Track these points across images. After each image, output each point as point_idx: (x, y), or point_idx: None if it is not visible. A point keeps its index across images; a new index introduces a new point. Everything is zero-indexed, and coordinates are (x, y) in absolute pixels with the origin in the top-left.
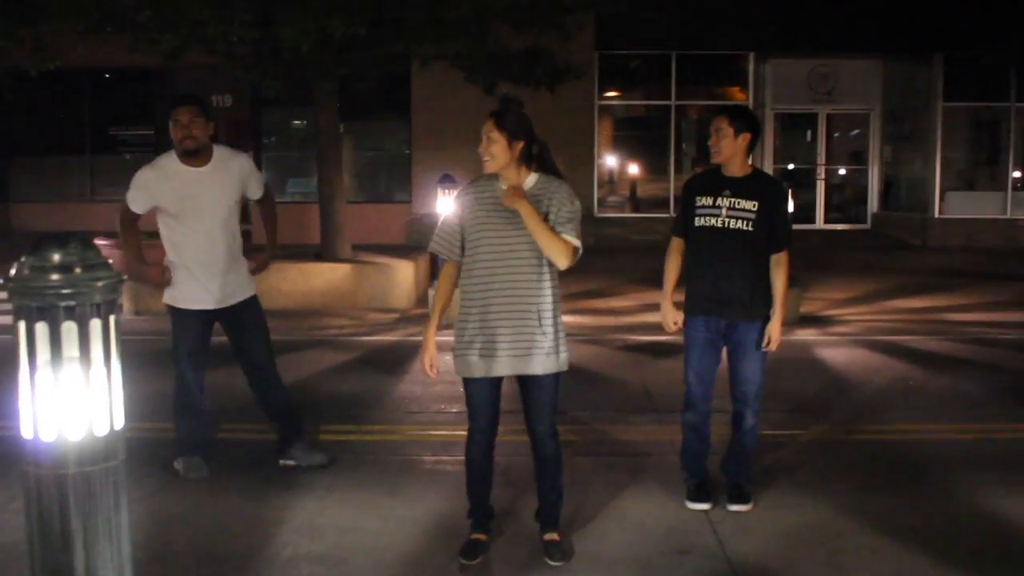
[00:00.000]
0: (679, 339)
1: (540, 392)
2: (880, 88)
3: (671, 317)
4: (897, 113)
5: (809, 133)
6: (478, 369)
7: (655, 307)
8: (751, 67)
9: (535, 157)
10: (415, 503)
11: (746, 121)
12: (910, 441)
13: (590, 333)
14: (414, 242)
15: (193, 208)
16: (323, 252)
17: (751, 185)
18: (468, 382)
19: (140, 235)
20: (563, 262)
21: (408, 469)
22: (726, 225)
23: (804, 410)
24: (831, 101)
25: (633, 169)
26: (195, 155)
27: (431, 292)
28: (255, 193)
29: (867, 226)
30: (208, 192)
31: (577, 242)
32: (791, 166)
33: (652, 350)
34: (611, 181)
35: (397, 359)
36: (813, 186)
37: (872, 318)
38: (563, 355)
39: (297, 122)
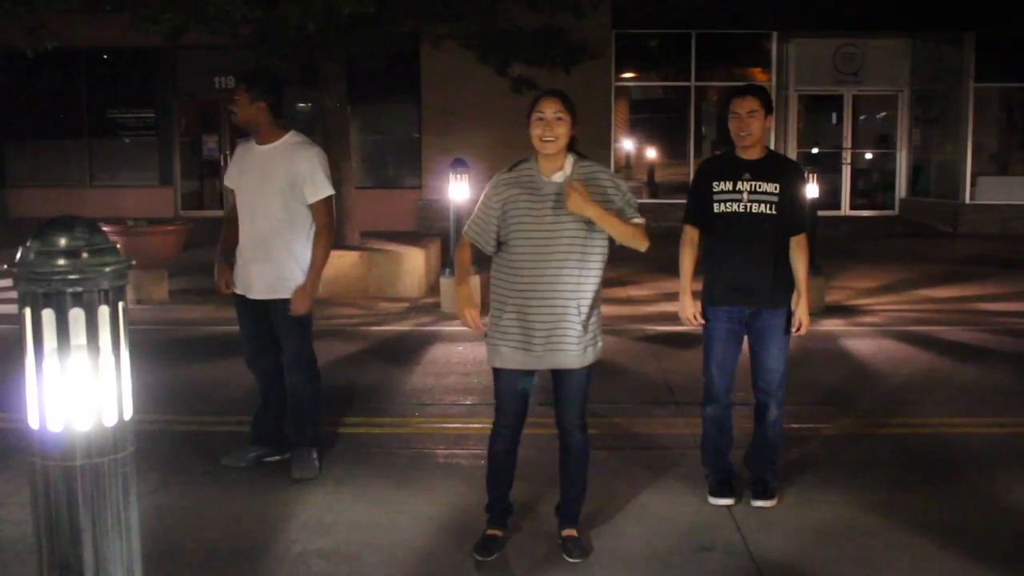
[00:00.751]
0: (699, 330)
1: (573, 384)
2: (908, 68)
3: (691, 310)
4: (926, 94)
5: (834, 116)
6: (511, 361)
7: (674, 296)
8: (774, 47)
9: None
10: (427, 498)
11: (771, 102)
12: (940, 435)
13: (607, 323)
14: (425, 228)
15: (241, 185)
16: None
17: (770, 167)
18: (499, 373)
19: (232, 224)
20: (644, 246)
21: (420, 463)
22: (748, 210)
23: (830, 403)
24: (857, 82)
25: (651, 153)
26: (257, 133)
27: (444, 280)
28: (308, 195)
29: (895, 213)
30: (258, 172)
31: (642, 219)
32: (815, 150)
33: (672, 340)
34: (628, 165)
35: (408, 349)
36: (839, 171)
37: (900, 308)
38: (599, 346)
39: (303, 104)
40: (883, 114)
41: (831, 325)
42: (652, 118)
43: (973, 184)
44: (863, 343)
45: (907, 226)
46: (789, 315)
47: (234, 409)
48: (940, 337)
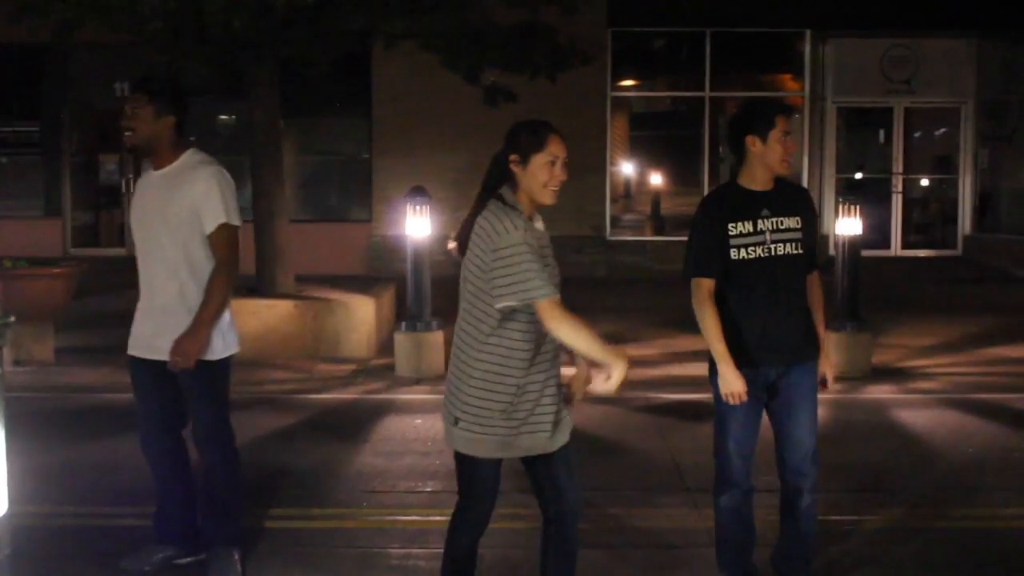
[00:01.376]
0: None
1: (567, 460)
2: (973, 75)
3: (740, 384)
4: (996, 107)
5: (882, 133)
6: (534, 447)
7: (683, 356)
8: (807, 48)
9: None
10: None
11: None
12: (1014, 530)
13: None
14: (376, 271)
15: (136, 221)
16: (258, 285)
17: (786, 197)
18: (484, 462)
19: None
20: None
21: (370, 564)
22: (772, 252)
23: (877, 488)
24: (910, 92)
25: (656, 179)
26: (148, 154)
27: (399, 336)
28: (206, 226)
29: (957, 252)
30: (151, 203)
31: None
32: (859, 175)
33: (682, 411)
34: (627, 195)
35: (354, 423)
36: (888, 201)
37: (963, 371)
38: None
39: (225, 117)
40: (942, 131)
41: (879, 392)
42: (657, 136)
43: None
44: (918, 414)
45: (972, 269)
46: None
47: (136, 498)
48: (1013, 407)
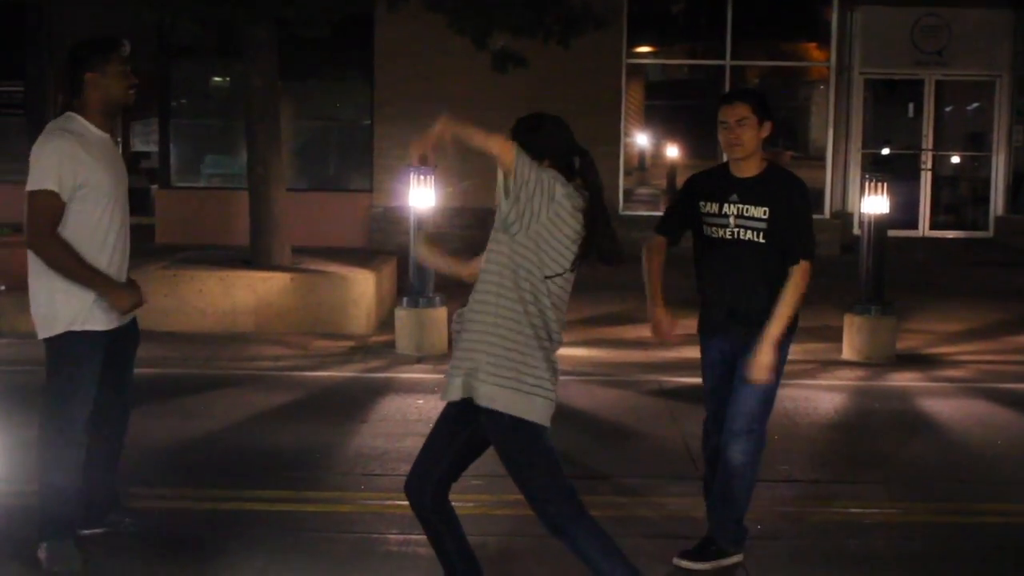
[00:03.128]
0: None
1: None
2: (1009, 47)
3: (666, 324)
4: None
5: (912, 107)
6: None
7: (698, 338)
8: (834, 16)
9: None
10: None
11: (767, 108)
12: None
13: (611, 372)
14: (377, 244)
15: (111, 184)
16: (253, 256)
17: (762, 187)
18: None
19: None
20: None
21: (367, 550)
22: (736, 236)
23: (901, 481)
24: (942, 64)
25: (672, 151)
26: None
27: (401, 311)
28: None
29: (989, 234)
30: (119, 164)
31: None
32: (886, 151)
33: (695, 395)
34: (642, 167)
35: (352, 402)
36: (916, 179)
37: (994, 359)
38: None
39: (219, 79)
40: (975, 106)
41: (903, 380)
42: (674, 105)
43: None
44: (944, 404)
45: (1004, 252)
46: (787, 348)
47: (125, 477)
48: None
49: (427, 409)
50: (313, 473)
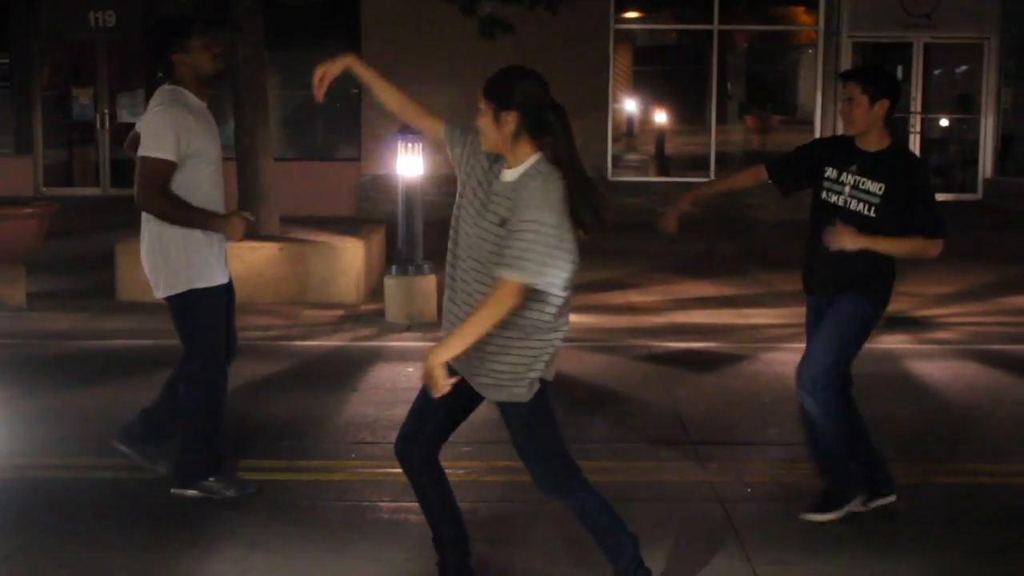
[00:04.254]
0: (721, 348)
1: None
2: (998, 10)
3: (672, 214)
4: (1021, 45)
5: (900, 69)
6: None
7: (687, 303)
8: None
9: (542, 129)
10: (368, 564)
11: (883, 86)
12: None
13: (602, 337)
14: (365, 213)
15: (214, 150)
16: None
17: (882, 163)
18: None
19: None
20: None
21: (357, 519)
22: (847, 205)
23: (892, 444)
24: (930, 26)
25: (660, 117)
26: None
27: (389, 280)
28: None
29: (978, 196)
30: (215, 130)
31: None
32: None
33: (686, 361)
34: (630, 133)
35: (342, 371)
36: (905, 141)
37: (983, 320)
38: None
39: None
40: (963, 68)
41: (893, 342)
42: (662, 71)
43: None
44: (934, 366)
45: (993, 214)
46: (867, 310)
47: (114, 449)
48: None
49: (417, 377)
50: (304, 442)
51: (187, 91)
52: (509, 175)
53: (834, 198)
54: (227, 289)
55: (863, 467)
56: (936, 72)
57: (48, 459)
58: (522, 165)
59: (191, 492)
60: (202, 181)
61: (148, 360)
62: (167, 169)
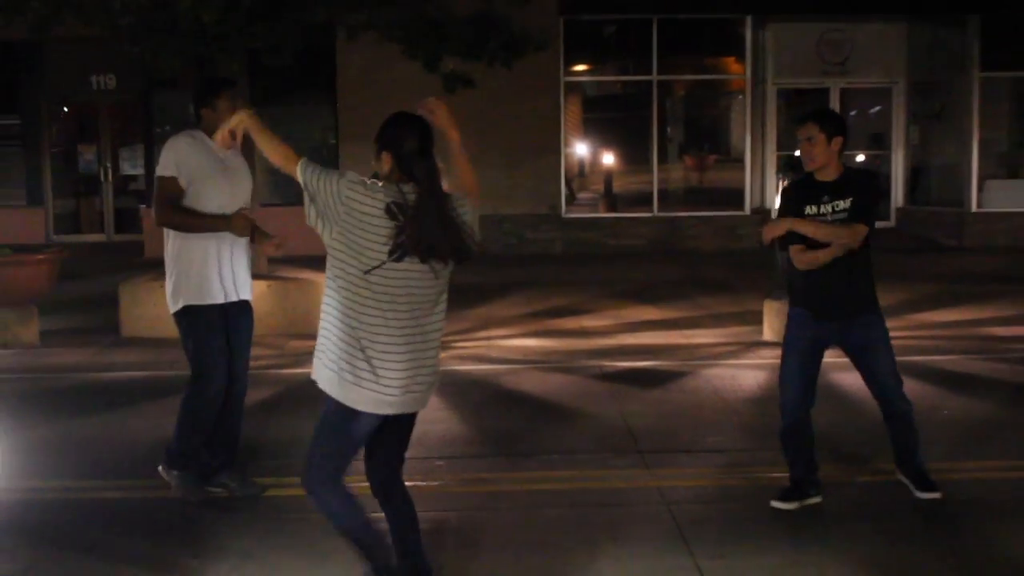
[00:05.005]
0: (666, 366)
1: None
2: (904, 57)
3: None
4: (925, 86)
5: None
6: None
7: (636, 326)
8: (748, 33)
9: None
10: (350, 572)
11: (837, 124)
12: (949, 481)
13: (558, 359)
14: None
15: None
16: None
17: (845, 185)
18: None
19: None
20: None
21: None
22: None
23: (818, 448)
24: (845, 73)
25: (608, 159)
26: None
27: None
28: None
29: (890, 224)
30: (238, 177)
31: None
32: (798, 153)
33: (634, 379)
34: (581, 174)
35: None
36: None
37: (898, 335)
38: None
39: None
40: (876, 109)
41: None
42: (609, 118)
43: (980, 189)
44: (855, 377)
45: (905, 239)
46: (885, 324)
47: (122, 472)
48: (945, 368)
49: None
50: (292, 461)
51: (207, 137)
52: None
53: None
54: (232, 311)
55: (809, 469)
56: (852, 113)
57: (61, 482)
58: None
59: (173, 474)
60: (203, 208)
61: (151, 390)
62: (171, 184)
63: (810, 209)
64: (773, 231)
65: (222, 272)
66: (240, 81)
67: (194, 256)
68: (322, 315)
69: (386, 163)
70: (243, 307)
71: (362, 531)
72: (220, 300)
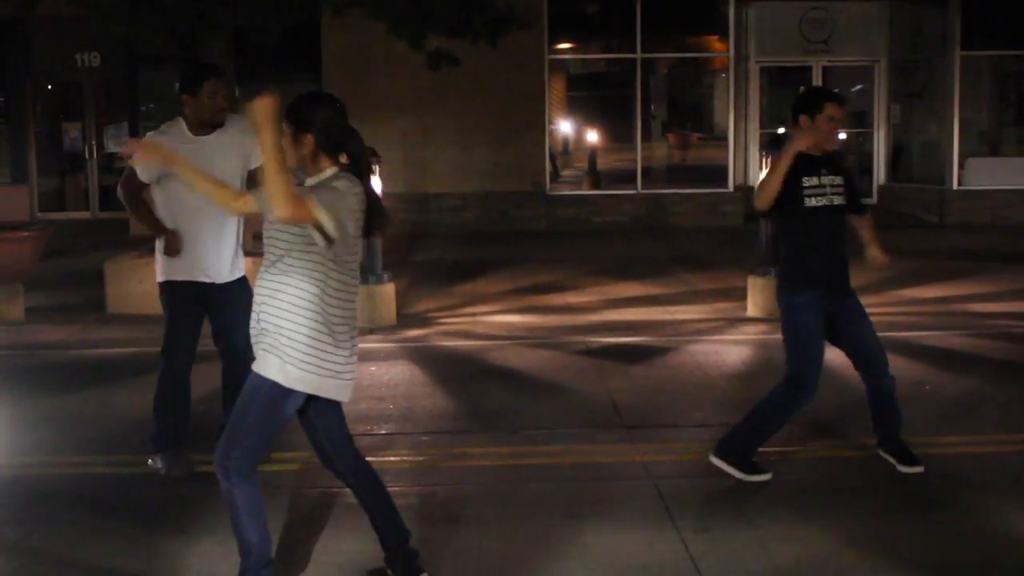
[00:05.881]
0: (650, 342)
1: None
2: (886, 35)
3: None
4: (906, 65)
5: (802, 90)
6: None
7: (619, 303)
8: (731, 12)
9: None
10: (339, 543)
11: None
12: (930, 456)
13: (543, 335)
14: None
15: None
16: None
17: (835, 161)
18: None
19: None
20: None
21: (328, 503)
22: (832, 203)
23: (802, 422)
24: (827, 51)
25: (592, 137)
26: (208, 125)
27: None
28: (256, 161)
29: (872, 201)
30: (217, 160)
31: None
32: (781, 130)
33: (618, 354)
34: (566, 151)
35: None
36: None
37: (879, 310)
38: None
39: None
40: (857, 88)
41: None
42: (593, 96)
43: (961, 167)
44: (837, 352)
45: (886, 216)
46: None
47: (109, 447)
48: (925, 343)
49: (379, 375)
50: (280, 435)
51: (184, 124)
52: (310, 181)
53: (820, 200)
54: (214, 291)
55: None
56: (834, 91)
57: (48, 457)
58: (321, 175)
59: (156, 458)
60: (177, 203)
61: (137, 367)
62: (132, 177)
63: (809, 180)
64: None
65: (198, 252)
66: (226, 60)
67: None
68: (281, 310)
69: (308, 145)
70: (232, 287)
71: (256, 528)
72: (198, 279)
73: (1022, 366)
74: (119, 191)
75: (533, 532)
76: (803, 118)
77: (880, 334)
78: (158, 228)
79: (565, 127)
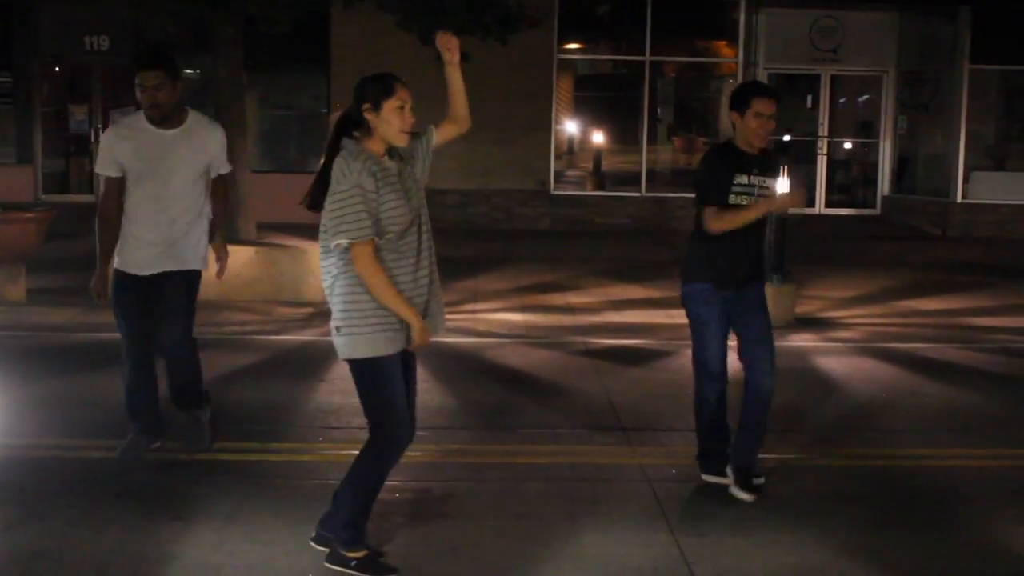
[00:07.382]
0: (650, 344)
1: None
2: (895, 46)
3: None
4: (914, 76)
5: (809, 98)
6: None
7: (620, 304)
8: (741, 17)
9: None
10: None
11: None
12: (925, 468)
13: (543, 334)
14: None
15: (150, 172)
16: (221, 231)
17: (768, 163)
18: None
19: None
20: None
21: (324, 496)
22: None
23: (799, 431)
24: (836, 60)
25: (598, 138)
26: (162, 121)
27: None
28: (223, 168)
29: (876, 211)
30: (170, 157)
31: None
32: (787, 137)
33: (618, 356)
34: (571, 151)
35: (311, 363)
36: (813, 162)
37: (880, 322)
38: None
39: (190, 71)
40: (865, 98)
41: (800, 340)
42: (600, 97)
43: (966, 180)
44: (837, 362)
45: (890, 227)
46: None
47: (106, 431)
48: (925, 356)
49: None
50: (276, 427)
51: (143, 117)
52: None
53: (744, 200)
54: (159, 281)
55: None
56: (841, 101)
57: (46, 440)
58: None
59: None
60: (132, 204)
61: None
62: (109, 182)
63: (740, 179)
64: (728, 225)
65: (142, 242)
66: (234, 48)
67: (128, 221)
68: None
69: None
70: (179, 277)
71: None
72: (138, 272)
73: (1020, 381)
74: (99, 211)
75: (528, 531)
76: (733, 115)
77: (877, 345)
78: (103, 260)
79: (571, 127)
